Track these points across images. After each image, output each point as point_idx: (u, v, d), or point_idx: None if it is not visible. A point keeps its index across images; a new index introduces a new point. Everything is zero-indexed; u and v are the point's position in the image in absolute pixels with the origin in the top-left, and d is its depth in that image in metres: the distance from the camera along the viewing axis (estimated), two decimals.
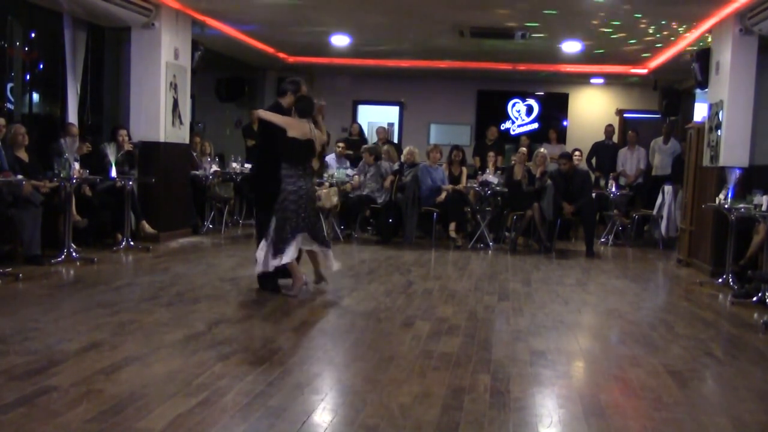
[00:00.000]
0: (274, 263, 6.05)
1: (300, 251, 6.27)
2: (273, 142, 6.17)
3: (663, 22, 9.06)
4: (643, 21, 9.01)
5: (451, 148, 10.85)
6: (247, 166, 11.47)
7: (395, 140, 14.57)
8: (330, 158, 11.22)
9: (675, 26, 9.19)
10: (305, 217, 6.09)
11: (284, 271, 6.23)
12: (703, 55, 8.93)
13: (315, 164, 6.48)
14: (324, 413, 3.49)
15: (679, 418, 3.63)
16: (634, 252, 10.36)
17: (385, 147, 11.57)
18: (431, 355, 4.52)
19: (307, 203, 6.12)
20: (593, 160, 12.42)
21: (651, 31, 9.55)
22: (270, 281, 6.33)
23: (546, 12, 8.87)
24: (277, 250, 6.01)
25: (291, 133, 6.03)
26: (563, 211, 9.79)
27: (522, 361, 4.50)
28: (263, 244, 6.12)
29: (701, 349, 5.02)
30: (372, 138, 13.94)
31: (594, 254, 9.62)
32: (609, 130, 12.64)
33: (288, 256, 6.02)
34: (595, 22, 9.22)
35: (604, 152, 12.39)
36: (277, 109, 6.30)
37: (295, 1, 8.92)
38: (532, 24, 9.56)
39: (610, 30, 9.64)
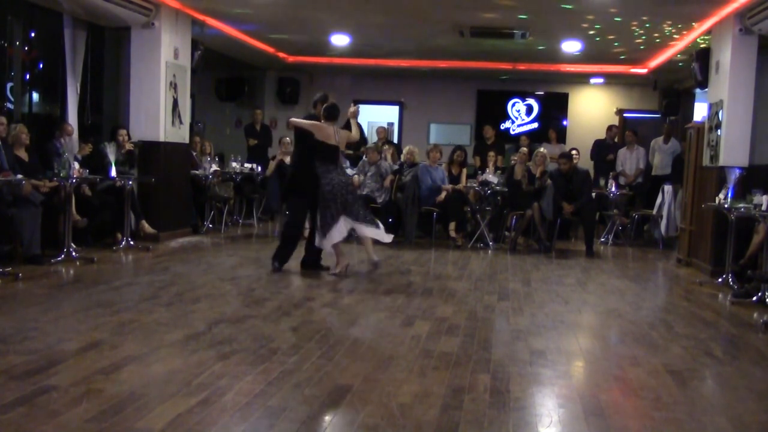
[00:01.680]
0: (326, 244, 7.12)
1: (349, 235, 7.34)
2: (305, 145, 7.22)
3: (663, 22, 9.06)
4: (644, 20, 9.01)
5: (454, 148, 10.85)
6: (248, 165, 11.49)
7: (395, 140, 14.57)
8: None
9: (675, 26, 9.19)
10: (342, 203, 7.04)
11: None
12: (703, 55, 8.92)
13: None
14: (324, 413, 3.49)
15: (678, 417, 3.63)
16: (633, 252, 10.36)
17: (385, 147, 11.58)
18: (431, 354, 4.52)
19: (342, 191, 7.08)
20: (587, 153, 12.50)
21: (651, 30, 9.55)
22: (311, 261, 7.47)
23: (546, 11, 8.87)
24: (324, 233, 7.08)
25: (318, 137, 7.08)
26: (563, 211, 9.79)
27: (522, 360, 4.50)
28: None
29: (701, 348, 5.03)
30: (372, 138, 13.94)
31: (594, 254, 9.62)
32: (614, 132, 12.63)
33: (333, 238, 7.06)
34: (595, 21, 9.22)
35: (604, 152, 12.40)
36: (313, 118, 7.36)
37: (295, 1, 8.92)
38: (533, 23, 9.56)
39: (611, 29, 9.65)
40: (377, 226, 7.24)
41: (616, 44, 10.60)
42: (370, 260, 7.30)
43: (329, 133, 7.13)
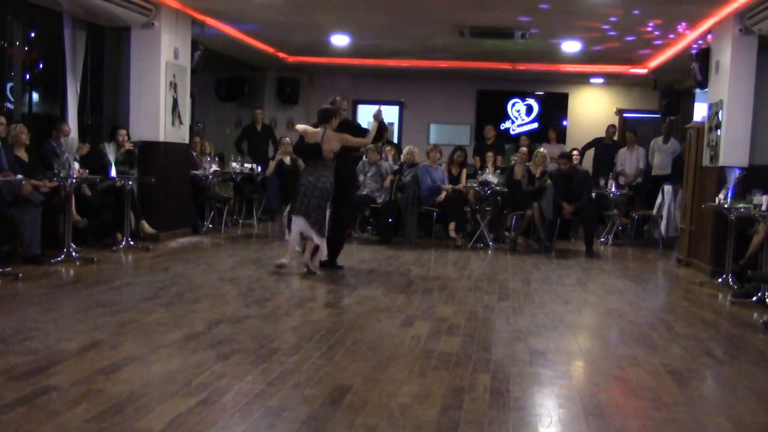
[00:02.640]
0: (289, 236, 7.58)
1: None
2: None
3: (663, 22, 9.05)
4: (643, 20, 9.00)
5: (455, 148, 10.85)
6: (247, 166, 11.49)
7: (395, 140, 14.56)
8: None
9: (675, 26, 9.18)
10: (305, 204, 7.13)
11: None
12: (702, 55, 8.93)
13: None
14: (324, 413, 3.49)
15: (678, 417, 3.63)
16: (633, 252, 10.36)
17: (386, 147, 11.58)
18: (431, 354, 4.52)
19: (307, 193, 7.16)
20: (587, 152, 12.51)
21: (651, 30, 9.55)
22: (328, 260, 7.45)
23: (546, 12, 8.86)
24: (288, 226, 7.56)
25: (307, 140, 7.32)
26: (563, 211, 9.79)
27: (522, 360, 4.50)
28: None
29: (701, 348, 5.03)
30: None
31: (594, 254, 9.62)
32: (611, 131, 12.65)
33: (290, 233, 7.47)
34: (595, 21, 9.22)
35: (604, 152, 12.42)
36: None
37: (295, 1, 8.92)
38: (532, 24, 9.56)
39: (610, 29, 9.64)
40: (322, 239, 7.19)
41: (615, 44, 10.59)
42: (306, 264, 7.26)
43: (316, 136, 7.24)
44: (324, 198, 7.18)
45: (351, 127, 7.74)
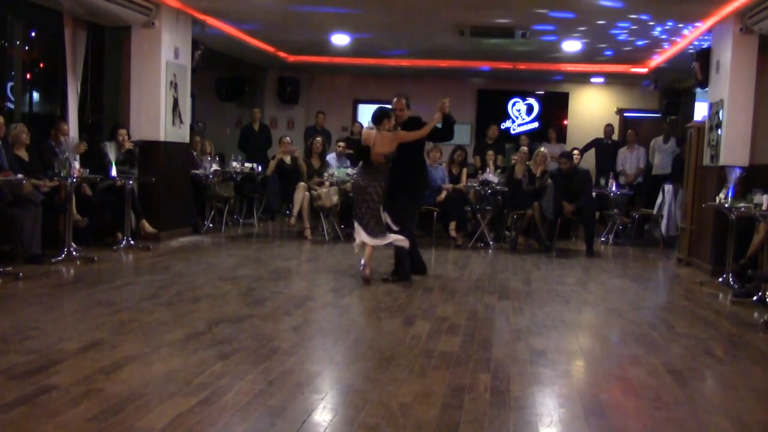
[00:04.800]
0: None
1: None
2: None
3: (663, 21, 9.05)
4: (643, 20, 9.00)
5: (455, 147, 10.84)
6: (248, 165, 11.49)
7: None
8: (330, 157, 11.22)
9: (675, 25, 9.18)
10: (359, 209, 6.93)
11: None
12: (703, 55, 8.92)
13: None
14: (324, 412, 3.49)
15: (679, 417, 3.63)
16: (634, 251, 10.36)
17: None
18: (431, 354, 4.52)
19: (357, 196, 6.97)
20: (588, 153, 12.52)
21: (651, 30, 9.55)
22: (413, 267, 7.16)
23: (546, 11, 8.86)
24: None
25: (363, 142, 7.15)
26: (563, 211, 9.79)
27: (522, 360, 4.50)
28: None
29: (701, 348, 5.03)
30: None
31: (594, 253, 9.62)
32: (608, 130, 12.68)
33: (357, 239, 7.00)
34: (596, 21, 9.22)
35: (603, 151, 12.42)
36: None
37: (295, 0, 8.92)
38: (533, 24, 9.56)
39: (610, 29, 9.64)
40: (382, 238, 6.85)
41: (616, 43, 10.59)
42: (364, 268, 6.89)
43: (369, 137, 7.00)
44: (375, 202, 6.87)
45: (417, 124, 7.25)
